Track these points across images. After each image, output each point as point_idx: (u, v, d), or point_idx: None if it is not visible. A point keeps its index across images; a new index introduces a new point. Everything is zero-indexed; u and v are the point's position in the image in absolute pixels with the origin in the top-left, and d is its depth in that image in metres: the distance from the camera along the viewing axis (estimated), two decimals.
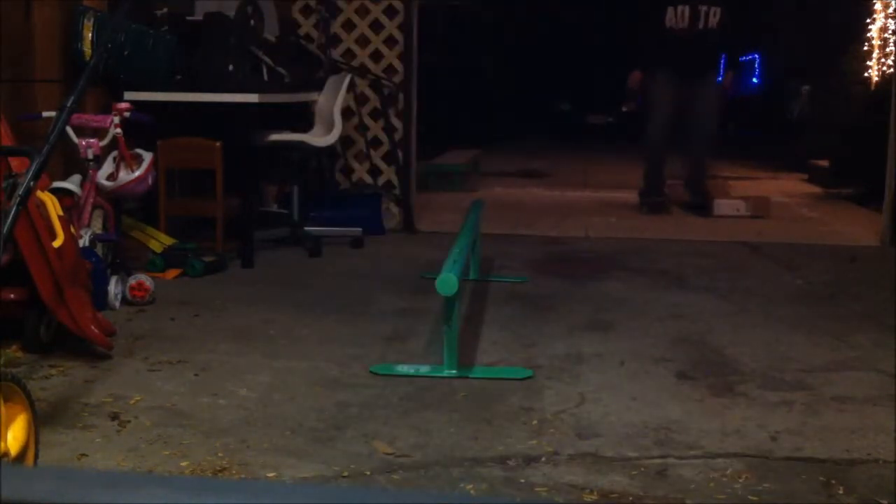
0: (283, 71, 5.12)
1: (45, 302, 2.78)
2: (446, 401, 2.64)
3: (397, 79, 5.67)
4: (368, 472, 2.15)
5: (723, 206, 6.52)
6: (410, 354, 3.10)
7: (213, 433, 2.36)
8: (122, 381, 2.74)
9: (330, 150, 5.32)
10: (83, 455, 2.22)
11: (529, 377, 2.85)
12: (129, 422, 2.42)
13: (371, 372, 2.87)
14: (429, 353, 3.09)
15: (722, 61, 6.78)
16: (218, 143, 4.45)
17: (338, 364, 2.95)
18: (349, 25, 5.71)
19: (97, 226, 3.83)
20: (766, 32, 13.50)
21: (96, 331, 2.91)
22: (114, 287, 3.57)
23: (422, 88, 5.81)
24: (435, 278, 2.80)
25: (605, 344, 3.27)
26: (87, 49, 4.21)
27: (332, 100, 5.06)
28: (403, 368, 2.90)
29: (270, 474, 2.14)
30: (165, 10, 4.82)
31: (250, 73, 4.88)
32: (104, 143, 3.88)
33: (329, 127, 5.01)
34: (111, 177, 3.92)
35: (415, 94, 5.71)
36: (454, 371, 2.85)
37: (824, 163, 8.31)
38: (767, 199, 6.67)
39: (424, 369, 2.89)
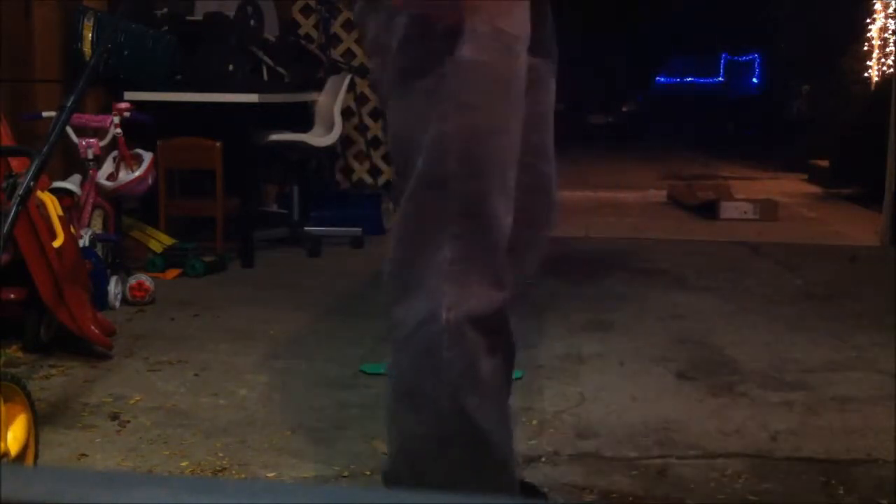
0: (283, 71, 5.12)
1: (45, 302, 2.78)
2: None
3: None
4: (368, 472, 2.15)
5: (729, 208, 6.48)
6: None
7: (213, 433, 2.36)
8: (122, 381, 2.74)
9: (330, 150, 5.32)
10: (83, 455, 2.21)
11: (518, 378, 2.84)
12: (129, 422, 2.42)
13: (362, 371, 2.86)
14: None
15: None
16: (218, 143, 4.45)
17: (338, 364, 2.95)
18: (349, 25, 5.71)
19: (97, 226, 3.83)
20: (766, 32, 13.52)
21: (96, 331, 2.91)
22: (114, 287, 3.57)
23: None
24: None
25: (605, 344, 3.26)
26: (87, 49, 4.21)
27: (332, 100, 5.06)
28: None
29: (270, 474, 2.14)
30: (165, 10, 4.82)
31: (250, 73, 4.88)
32: (104, 143, 3.89)
33: (329, 127, 5.01)
34: (111, 177, 3.92)
35: None
36: None
37: (824, 163, 8.31)
38: (776, 202, 6.65)
39: None
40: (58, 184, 3.51)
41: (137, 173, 3.93)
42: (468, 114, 1.45)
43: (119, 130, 3.91)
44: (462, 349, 1.47)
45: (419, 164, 1.47)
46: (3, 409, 1.84)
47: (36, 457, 1.99)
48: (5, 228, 2.03)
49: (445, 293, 1.46)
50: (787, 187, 8.35)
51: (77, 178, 3.79)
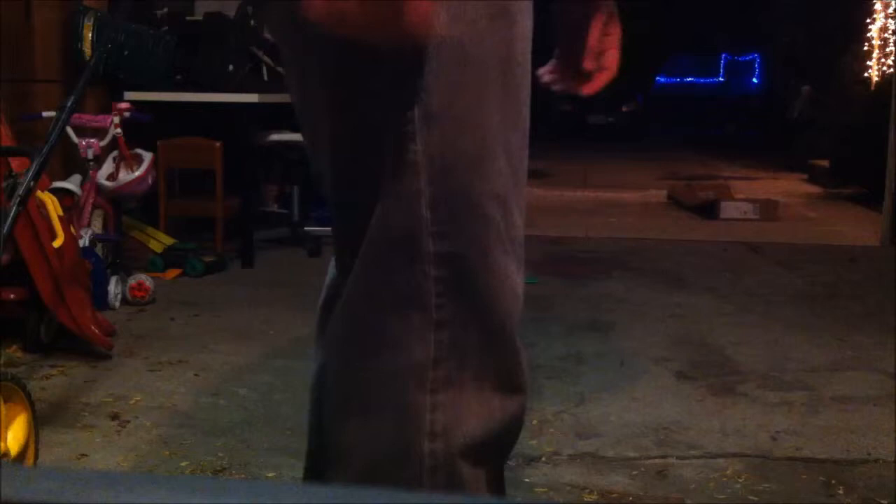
0: (283, 71, 5.12)
1: (45, 302, 2.78)
2: None
3: None
4: None
5: (729, 208, 6.48)
6: None
7: (213, 433, 2.36)
8: (122, 381, 2.74)
9: None
10: (83, 455, 2.21)
11: None
12: (129, 422, 2.42)
13: None
14: None
15: None
16: (218, 143, 4.45)
17: None
18: None
19: (97, 226, 3.83)
20: (766, 32, 13.52)
21: (96, 331, 2.91)
22: (114, 287, 3.57)
23: None
24: None
25: (605, 344, 3.27)
26: (87, 49, 4.21)
27: None
28: None
29: (270, 474, 2.14)
30: (165, 10, 4.82)
31: (250, 73, 4.88)
32: (104, 143, 3.89)
33: None
34: (111, 177, 3.92)
35: None
36: None
37: (824, 163, 8.32)
38: (776, 202, 6.65)
39: None
40: (58, 184, 3.51)
41: (137, 173, 3.93)
42: (445, 128, 0.90)
43: (119, 130, 3.91)
44: (456, 492, 0.94)
45: (375, 215, 0.93)
46: (2, 409, 1.84)
47: (36, 457, 1.99)
48: (5, 228, 2.03)
49: (427, 413, 0.92)
50: (787, 187, 8.35)
51: (77, 178, 3.79)
